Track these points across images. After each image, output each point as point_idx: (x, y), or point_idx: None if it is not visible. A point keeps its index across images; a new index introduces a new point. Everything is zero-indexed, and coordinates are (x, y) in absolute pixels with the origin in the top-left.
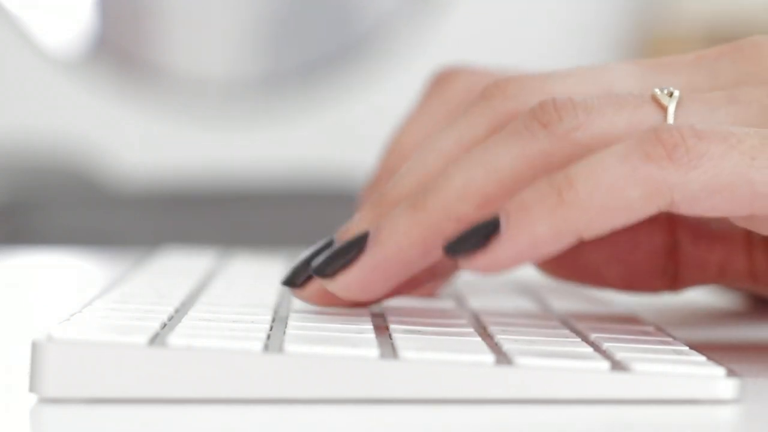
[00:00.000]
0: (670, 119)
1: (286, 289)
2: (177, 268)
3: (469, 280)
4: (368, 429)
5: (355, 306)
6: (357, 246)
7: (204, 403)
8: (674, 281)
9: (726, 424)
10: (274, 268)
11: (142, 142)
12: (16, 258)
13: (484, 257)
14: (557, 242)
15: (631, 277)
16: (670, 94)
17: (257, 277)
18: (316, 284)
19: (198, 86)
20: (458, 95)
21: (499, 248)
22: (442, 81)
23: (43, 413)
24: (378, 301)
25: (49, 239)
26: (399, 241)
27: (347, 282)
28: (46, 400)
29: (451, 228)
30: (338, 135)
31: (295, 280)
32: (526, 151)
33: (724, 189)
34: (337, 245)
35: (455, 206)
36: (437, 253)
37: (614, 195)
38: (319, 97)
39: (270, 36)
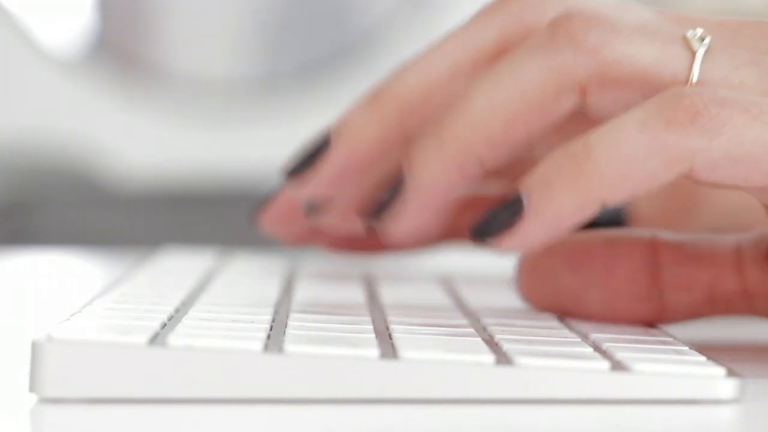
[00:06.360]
0: (697, 66)
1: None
2: (177, 268)
3: (469, 280)
4: (368, 429)
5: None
6: (398, 189)
7: (204, 403)
8: (661, 307)
9: (726, 424)
10: (274, 267)
11: (142, 142)
12: (16, 258)
13: (511, 238)
14: (582, 213)
15: (612, 302)
16: (702, 40)
17: (257, 277)
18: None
19: (198, 86)
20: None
21: (526, 227)
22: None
23: (43, 413)
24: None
25: (49, 239)
26: (434, 176)
27: (401, 226)
28: (46, 400)
29: (483, 148)
30: None
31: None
32: (550, 63)
33: (745, 158)
34: (387, 195)
35: (482, 127)
36: (474, 172)
37: (635, 164)
38: (319, 97)
39: (270, 36)
